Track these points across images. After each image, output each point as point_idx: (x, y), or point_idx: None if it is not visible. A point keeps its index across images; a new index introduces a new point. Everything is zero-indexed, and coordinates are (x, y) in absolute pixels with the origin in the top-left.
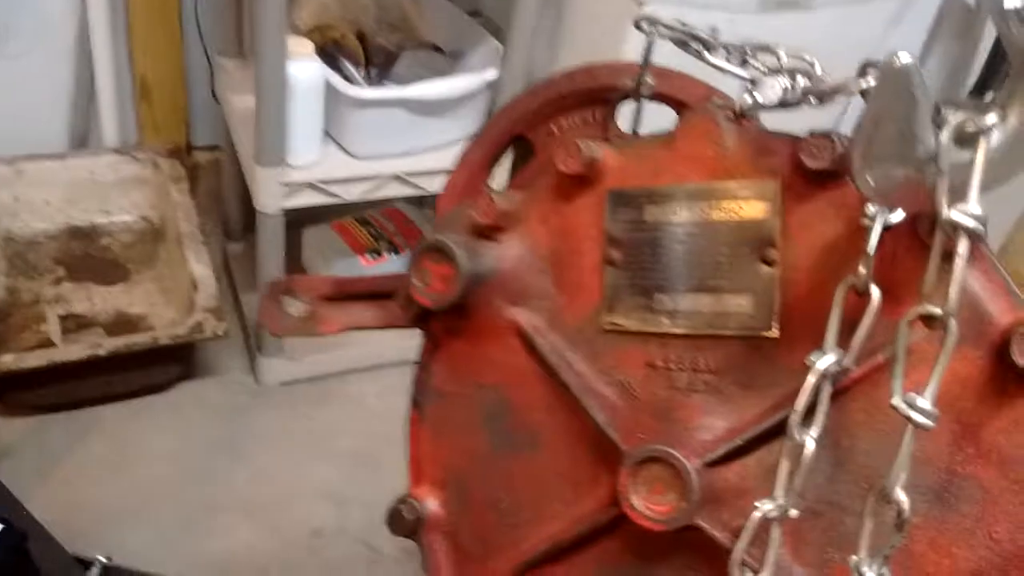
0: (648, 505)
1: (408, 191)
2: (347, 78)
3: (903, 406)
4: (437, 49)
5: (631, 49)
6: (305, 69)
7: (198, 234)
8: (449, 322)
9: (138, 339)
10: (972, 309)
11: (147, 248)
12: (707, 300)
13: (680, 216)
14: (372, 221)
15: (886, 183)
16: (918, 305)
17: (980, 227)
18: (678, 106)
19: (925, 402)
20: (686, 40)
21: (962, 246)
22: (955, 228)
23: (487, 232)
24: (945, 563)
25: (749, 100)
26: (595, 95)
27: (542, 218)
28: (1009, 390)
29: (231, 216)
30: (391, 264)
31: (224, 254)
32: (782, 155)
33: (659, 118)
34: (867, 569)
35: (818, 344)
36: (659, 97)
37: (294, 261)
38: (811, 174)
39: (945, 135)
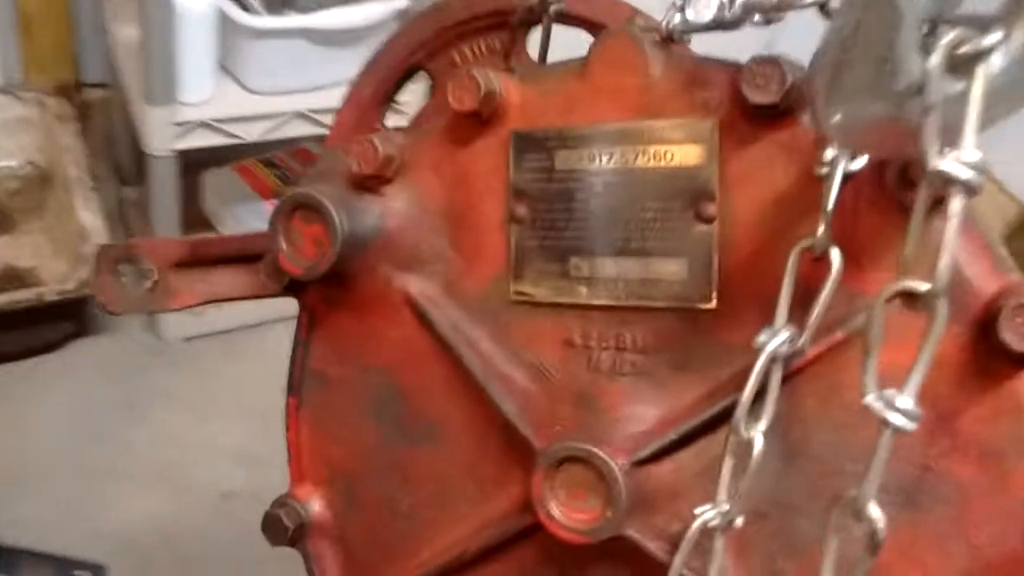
0: (568, 513)
1: (314, 130)
2: (243, 5)
3: (878, 405)
4: None
5: None
6: None
7: (88, 179)
8: (327, 293)
9: (22, 295)
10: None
11: (34, 195)
12: (633, 265)
13: (598, 163)
14: (278, 162)
15: (856, 123)
16: (898, 279)
17: (977, 179)
18: (593, 29)
19: (907, 401)
20: None
21: (955, 204)
22: (946, 181)
23: (368, 183)
24: (917, 574)
25: (678, 19)
26: (499, 18)
27: (434, 166)
28: (992, 372)
29: (124, 159)
30: None
31: (119, 201)
32: (719, 87)
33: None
34: None
35: (765, 318)
36: (569, 19)
37: (194, 207)
38: (755, 111)
39: (935, 59)
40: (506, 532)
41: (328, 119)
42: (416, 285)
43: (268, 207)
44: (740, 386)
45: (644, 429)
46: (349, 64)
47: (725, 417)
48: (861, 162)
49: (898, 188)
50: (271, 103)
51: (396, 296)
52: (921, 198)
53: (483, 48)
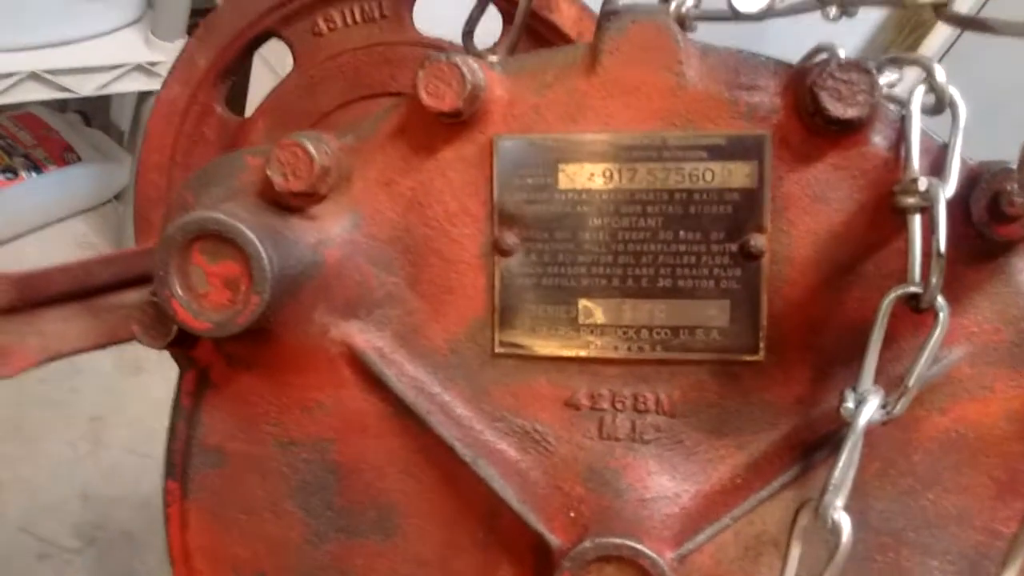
0: None
1: (52, 93)
2: None
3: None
4: None
5: None
6: None
7: None
8: (233, 348)
9: None
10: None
11: None
12: (660, 309)
13: (614, 182)
14: (2, 131)
15: None
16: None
17: None
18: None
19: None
20: None
21: None
22: None
23: (295, 202)
24: None
25: (690, 2)
26: None
27: (384, 180)
28: None
29: None
30: (32, 185)
31: None
32: (771, 92)
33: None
34: None
35: (819, 374)
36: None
37: None
38: (820, 124)
39: None
40: None
41: (69, 81)
42: (362, 336)
43: None
44: (791, 454)
45: (678, 510)
46: (92, 18)
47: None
48: (952, 190)
49: (988, 222)
50: None
51: (333, 350)
52: None
53: (357, 14)
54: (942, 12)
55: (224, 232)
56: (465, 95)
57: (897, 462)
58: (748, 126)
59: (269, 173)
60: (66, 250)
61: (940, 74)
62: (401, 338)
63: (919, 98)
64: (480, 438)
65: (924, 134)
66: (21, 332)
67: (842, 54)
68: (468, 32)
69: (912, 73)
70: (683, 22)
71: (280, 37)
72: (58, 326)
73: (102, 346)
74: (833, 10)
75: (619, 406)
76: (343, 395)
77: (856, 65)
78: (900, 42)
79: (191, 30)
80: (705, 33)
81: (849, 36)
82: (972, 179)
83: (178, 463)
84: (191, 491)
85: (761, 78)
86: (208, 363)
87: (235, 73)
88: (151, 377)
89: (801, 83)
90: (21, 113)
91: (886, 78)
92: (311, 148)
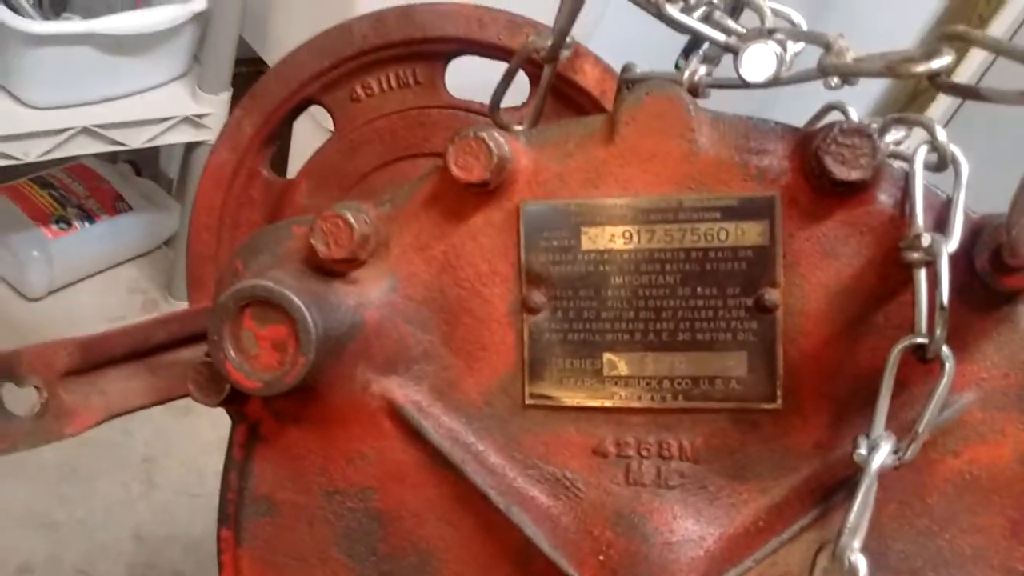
0: None
1: (102, 147)
2: (12, 7)
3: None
4: None
5: None
6: None
7: None
8: (282, 405)
9: None
10: None
11: None
12: (680, 361)
13: (634, 243)
14: (54, 182)
15: None
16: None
17: None
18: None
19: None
20: None
21: None
22: None
23: (337, 268)
24: None
25: (703, 71)
26: (415, 48)
27: (419, 245)
28: None
29: None
30: (85, 235)
31: None
32: (779, 155)
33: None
34: None
35: (836, 420)
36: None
37: None
38: (826, 185)
39: None
40: None
41: (120, 134)
42: (400, 391)
43: (46, 233)
44: (811, 497)
45: (703, 553)
46: (139, 73)
47: (799, 534)
48: (955, 245)
49: (991, 273)
50: (53, 118)
51: (374, 404)
52: None
53: (393, 81)
54: (936, 82)
55: (272, 299)
56: (492, 167)
57: (913, 504)
58: (759, 188)
59: (312, 242)
60: (117, 295)
61: (941, 133)
62: (437, 392)
63: (922, 157)
64: (513, 485)
65: (928, 190)
66: (85, 392)
67: (852, 112)
68: (495, 105)
69: (920, 131)
70: (696, 90)
71: (321, 104)
72: (119, 385)
73: (160, 402)
74: (835, 79)
75: (644, 453)
76: (384, 446)
77: (858, 130)
78: (908, 103)
79: (235, 82)
80: (722, 96)
81: (864, 93)
82: (976, 232)
83: (231, 512)
84: (244, 539)
85: (770, 142)
86: (258, 418)
87: (279, 138)
88: (199, 419)
89: (807, 147)
90: (74, 165)
91: (893, 136)
92: (351, 218)
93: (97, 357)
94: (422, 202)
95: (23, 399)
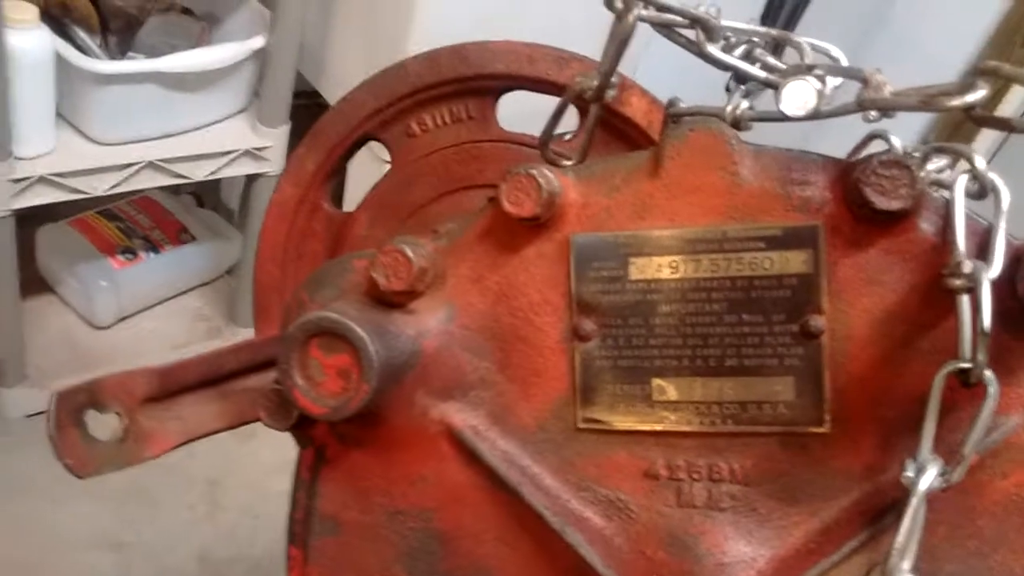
0: None
1: (166, 180)
2: (80, 48)
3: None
4: (188, 12)
5: (422, 13)
6: (29, 39)
7: None
8: (346, 429)
9: None
10: None
11: None
12: (728, 386)
13: (681, 272)
14: (120, 214)
15: None
16: None
17: None
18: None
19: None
20: (677, 22)
21: None
22: None
23: (397, 299)
24: None
25: (744, 105)
26: (467, 84)
27: (474, 276)
28: None
29: None
30: (150, 265)
31: None
32: (820, 186)
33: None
34: None
35: (884, 442)
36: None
37: (28, 267)
38: (867, 214)
39: None
40: None
41: (183, 168)
42: (458, 415)
43: (113, 263)
44: (861, 519)
45: (755, 574)
46: (201, 109)
47: (849, 556)
48: (996, 271)
49: None
50: (119, 153)
51: (433, 429)
52: None
53: (447, 117)
54: (971, 115)
55: (337, 330)
56: (542, 202)
57: (963, 525)
58: (802, 217)
59: (373, 275)
60: (182, 323)
61: (980, 162)
62: (493, 416)
63: (962, 185)
64: (567, 507)
65: (970, 218)
66: (163, 418)
67: (895, 140)
68: (544, 142)
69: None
70: (738, 123)
71: (378, 140)
72: (195, 410)
73: (233, 427)
74: (873, 112)
75: (695, 476)
76: (443, 469)
77: (896, 162)
78: (955, 131)
79: (293, 115)
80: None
81: (915, 119)
82: (1018, 258)
83: (299, 532)
84: (311, 557)
85: (811, 174)
86: (323, 442)
87: (339, 173)
88: (262, 442)
89: (848, 178)
90: (139, 197)
91: (935, 164)
92: (410, 252)
93: (173, 384)
94: (477, 236)
95: (105, 425)
